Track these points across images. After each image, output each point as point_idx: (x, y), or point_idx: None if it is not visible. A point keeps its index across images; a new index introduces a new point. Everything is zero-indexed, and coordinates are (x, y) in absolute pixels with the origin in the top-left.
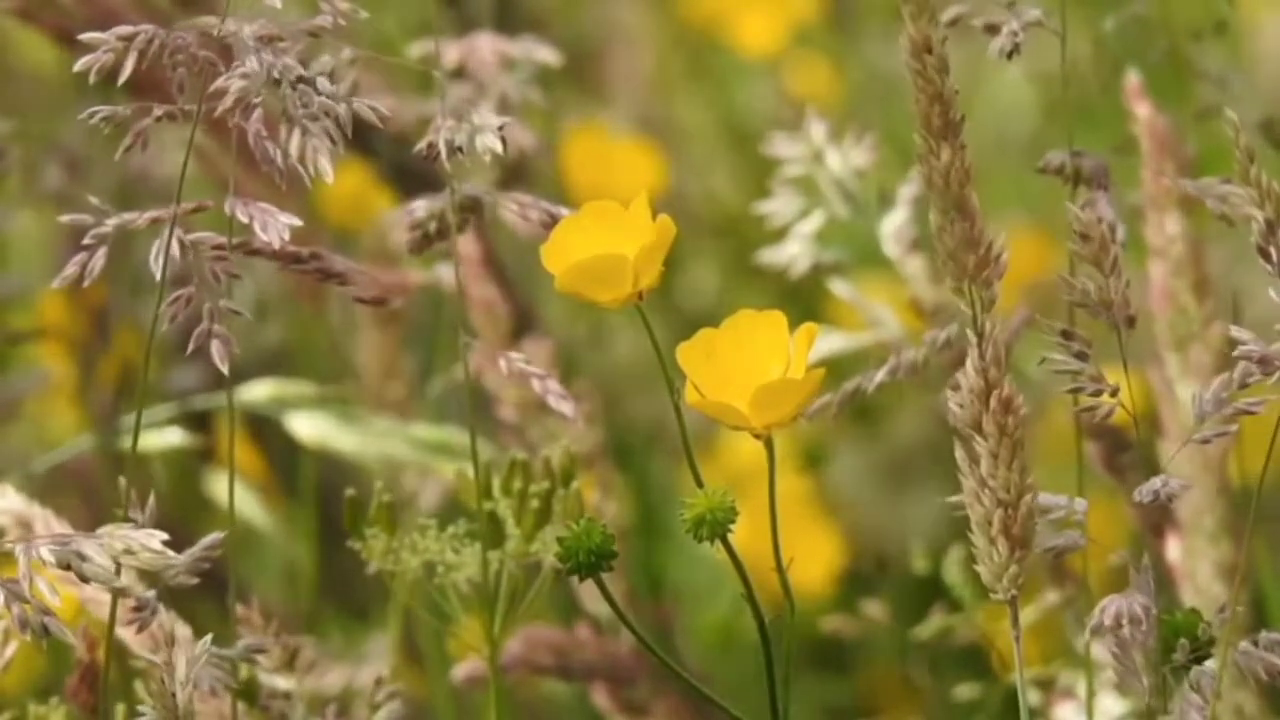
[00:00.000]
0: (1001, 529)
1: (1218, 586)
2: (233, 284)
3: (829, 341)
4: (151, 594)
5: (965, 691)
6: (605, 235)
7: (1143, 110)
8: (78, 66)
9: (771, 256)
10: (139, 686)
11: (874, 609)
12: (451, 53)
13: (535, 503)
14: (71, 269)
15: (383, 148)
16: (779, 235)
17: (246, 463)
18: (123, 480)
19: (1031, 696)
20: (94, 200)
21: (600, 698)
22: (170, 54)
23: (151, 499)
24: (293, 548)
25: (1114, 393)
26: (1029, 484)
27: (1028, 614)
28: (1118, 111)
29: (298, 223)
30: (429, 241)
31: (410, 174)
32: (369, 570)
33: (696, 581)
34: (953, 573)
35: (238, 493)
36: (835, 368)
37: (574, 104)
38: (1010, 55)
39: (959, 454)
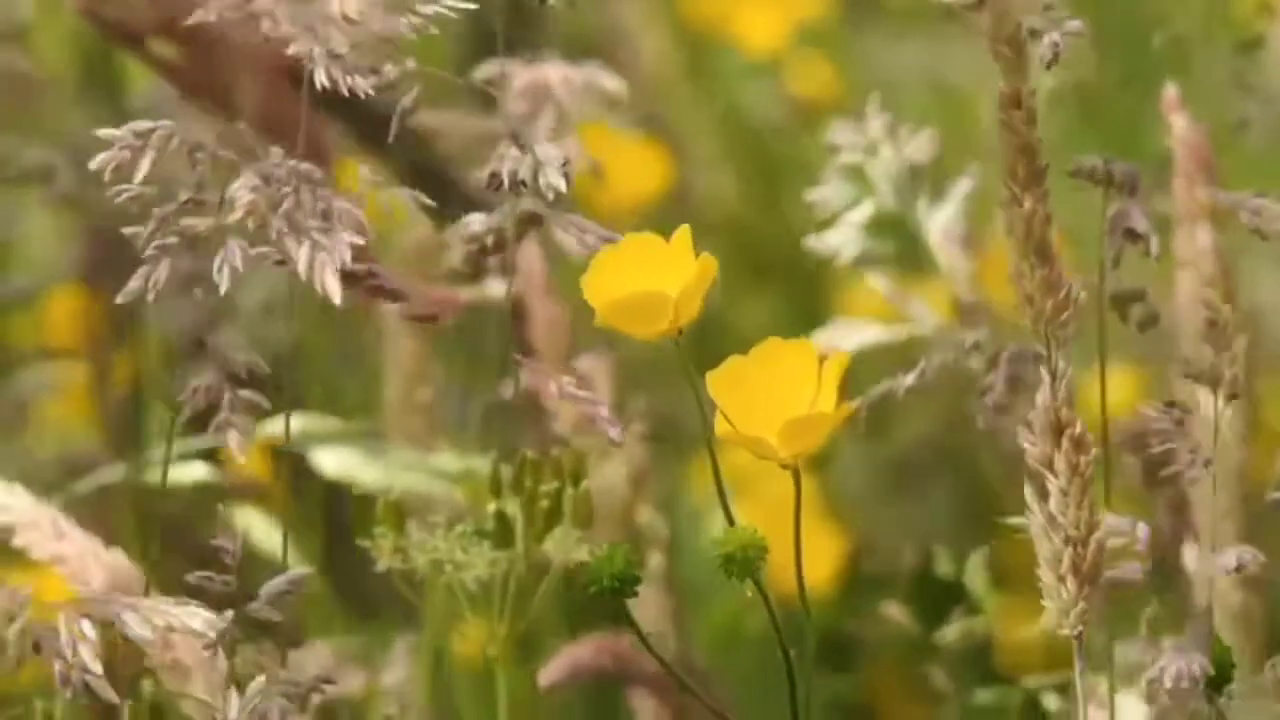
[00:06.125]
0: (1070, 567)
1: (1236, 596)
2: (241, 287)
3: (864, 334)
4: (225, 626)
5: (983, 696)
6: (646, 270)
7: (1179, 122)
8: (93, 165)
9: (817, 244)
10: (145, 686)
11: (893, 611)
12: (520, 78)
13: (545, 503)
14: (135, 283)
15: (397, 146)
16: (784, 235)
17: (265, 484)
18: (221, 508)
19: (1051, 701)
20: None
21: (647, 703)
22: (190, 152)
23: (239, 542)
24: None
25: (1207, 464)
26: (1097, 520)
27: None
28: (1137, 120)
29: (360, 241)
30: (485, 255)
31: (428, 174)
32: (376, 569)
33: (700, 579)
34: (972, 577)
35: (254, 521)
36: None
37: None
38: (1050, 65)
39: (1028, 491)
